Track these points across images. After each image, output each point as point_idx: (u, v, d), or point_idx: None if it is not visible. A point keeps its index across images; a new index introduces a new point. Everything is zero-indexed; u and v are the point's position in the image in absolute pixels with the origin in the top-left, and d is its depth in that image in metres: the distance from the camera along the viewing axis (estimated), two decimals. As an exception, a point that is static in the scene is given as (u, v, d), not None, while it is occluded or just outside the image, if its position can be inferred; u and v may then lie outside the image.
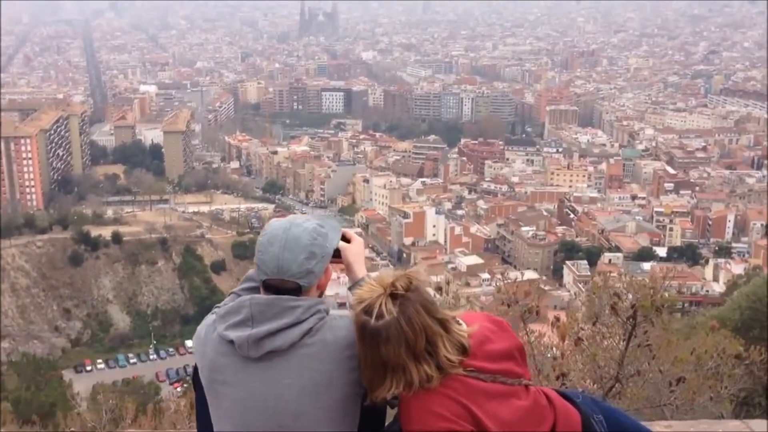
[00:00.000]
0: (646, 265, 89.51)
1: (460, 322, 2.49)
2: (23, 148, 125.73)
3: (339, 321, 2.56)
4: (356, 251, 2.92)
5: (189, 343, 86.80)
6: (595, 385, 6.60)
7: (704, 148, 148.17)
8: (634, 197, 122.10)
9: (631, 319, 6.39)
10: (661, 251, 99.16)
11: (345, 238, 2.90)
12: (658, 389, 6.69)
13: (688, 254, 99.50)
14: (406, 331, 2.33)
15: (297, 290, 2.58)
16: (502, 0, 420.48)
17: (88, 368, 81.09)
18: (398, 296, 2.38)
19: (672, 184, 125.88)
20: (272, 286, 2.58)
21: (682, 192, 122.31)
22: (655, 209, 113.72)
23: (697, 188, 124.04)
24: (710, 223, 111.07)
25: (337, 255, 2.81)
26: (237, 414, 2.56)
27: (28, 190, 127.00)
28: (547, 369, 6.56)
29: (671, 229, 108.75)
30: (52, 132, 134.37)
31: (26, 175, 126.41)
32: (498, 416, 2.39)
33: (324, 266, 2.65)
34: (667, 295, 6.49)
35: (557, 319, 6.96)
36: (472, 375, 2.40)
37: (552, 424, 2.53)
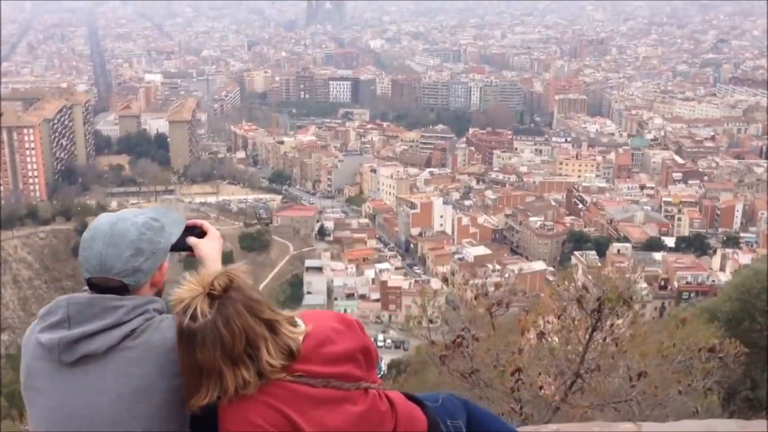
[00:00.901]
0: (656, 255, 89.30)
1: (298, 322, 2.34)
2: (26, 138, 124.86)
3: (169, 321, 2.36)
4: (210, 246, 2.71)
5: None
6: (557, 381, 6.50)
7: (713, 138, 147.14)
8: (642, 187, 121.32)
9: (595, 313, 6.32)
10: (670, 241, 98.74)
11: (202, 231, 2.73)
12: (622, 384, 6.59)
13: (696, 244, 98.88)
14: (223, 334, 2.17)
15: (123, 289, 2.40)
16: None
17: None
18: (217, 296, 2.21)
19: (680, 174, 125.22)
20: (96, 285, 2.41)
21: (690, 182, 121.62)
22: (664, 199, 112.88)
23: (706, 178, 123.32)
24: (718, 212, 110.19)
25: (191, 249, 2.67)
26: (46, 424, 2.38)
27: (31, 180, 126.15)
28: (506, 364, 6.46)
29: (680, 219, 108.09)
30: (56, 122, 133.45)
31: (29, 166, 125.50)
32: (324, 424, 2.26)
33: (156, 263, 2.47)
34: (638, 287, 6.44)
35: (526, 312, 6.90)
36: (301, 380, 2.26)
37: (392, 430, 2.42)
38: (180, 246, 2.64)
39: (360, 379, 2.37)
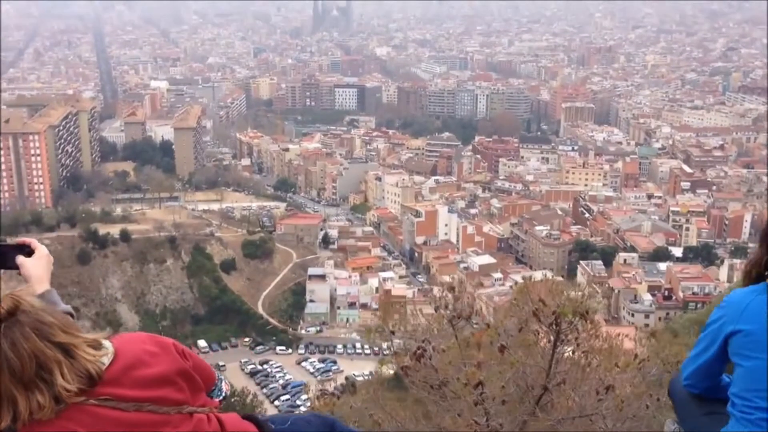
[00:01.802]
0: (662, 265, 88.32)
1: (104, 345, 2.27)
2: (32, 145, 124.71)
3: None
4: (35, 264, 2.74)
5: (202, 342, 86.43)
6: (525, 394, 6.49)
7: (721, 147, 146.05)
8: (650, 196, 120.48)
9: (554, 326, 6.28)
10: (677, 251, 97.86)
11: (31, 250, 2.78)
12: (590, 398, 6.58)
13: (703, 254, 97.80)
14: (10, 358, 2.11)
15: None
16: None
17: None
18: (2, 320, 2.16)
19: (688, 183, 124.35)
20: None
21: (698, 191, 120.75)
22: (671, 209, 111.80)
23: (714, 187, 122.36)
24: (727, 222, 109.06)
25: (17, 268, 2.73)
26: None
27: (36, 187, 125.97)
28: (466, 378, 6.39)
29: (687, 229, 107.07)
30: (61, 128, 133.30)
31: (35, 172, 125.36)
32: None
33: None
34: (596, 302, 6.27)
35: (487, 325, 6.92)
36: (107, 404, 2.19)
37: None
38: (8, 264, 2.68)
39: (182, 403, 2.31)
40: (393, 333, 7.16)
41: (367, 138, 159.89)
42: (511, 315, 7.19)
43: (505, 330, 6.92)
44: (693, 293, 78.09)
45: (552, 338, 6.40)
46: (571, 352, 6.45)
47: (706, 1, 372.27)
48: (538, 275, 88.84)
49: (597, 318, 6.46)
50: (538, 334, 6.54)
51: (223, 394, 2.58)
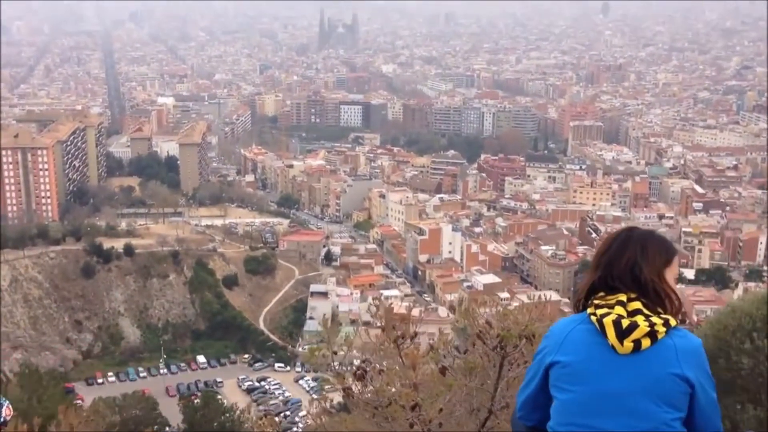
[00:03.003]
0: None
1: None
2: (40, 159, 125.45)
3: None
4: None
5: (201, 358, 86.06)
6: (469, 417, 6.51)
7: (735, 167, 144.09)
8: (660, 216, 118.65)
9: (498, 349, 6.30)
10: (689, 274, 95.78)
11: None
12: None
13: (717, 277, 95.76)
14: None
15: None
16: (527, 5, 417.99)
17: (99, 381, 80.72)
18: None
19: (701, 204, 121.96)
20: None
21: (711, 212, 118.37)
22: (683, 229, 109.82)
23: (728, 208, 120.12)
24: (741, 245, 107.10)
25: None
26: None
27: (43, 200, 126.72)
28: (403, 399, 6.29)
29: (700, 251, 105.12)
30: (69, 143, 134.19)
31: (42, 186, 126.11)
32: None
33: None
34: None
35: (431, 346, 6.83)
36: None
37: None
38: None
39: None
40: (335, 354, 7.07)
41: (371, 155, 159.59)
42: (457, 337, 7.03)
43: (449, 352, 6.87)
44: (707, 317, 76.58)
45: (499, 360, 6.34)
46: (517, 376, 6.26)
47: (719, 15, 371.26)
48: (547, 295, 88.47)
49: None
50: (487, 356, 6.37)
51: (2, 419, 2.49)
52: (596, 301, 3.00)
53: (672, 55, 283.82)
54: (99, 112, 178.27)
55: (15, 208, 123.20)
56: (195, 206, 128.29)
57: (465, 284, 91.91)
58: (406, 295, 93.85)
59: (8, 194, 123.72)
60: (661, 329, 2.88)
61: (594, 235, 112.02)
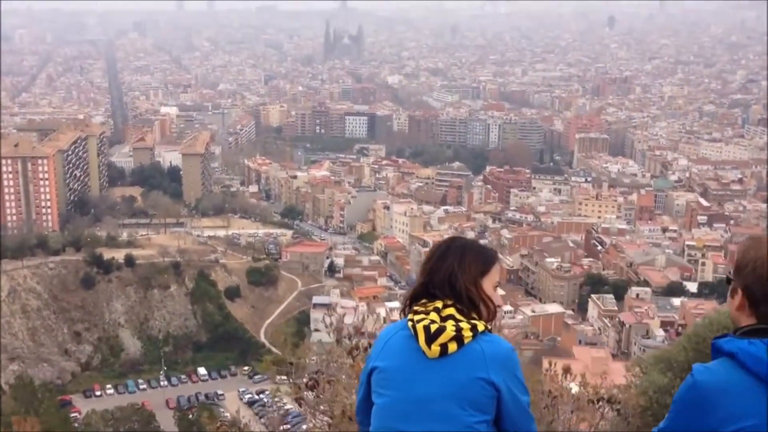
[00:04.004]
0: (676, 301, 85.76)
1: None
2: (40, 169, 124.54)
3: None
4: None
5: (202, 370, 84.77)
6: None
7: (740, 180, 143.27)
8: (665, 230, 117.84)
9: None
10: (692, 287, 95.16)
11: None
12: None
13: (720, 290, 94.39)
14: None
15: None
16: (533, 18, 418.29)
17: (98, 393, 79.60)
18: None
19: (705, 217, 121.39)
20: None
21: (715, 225, 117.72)
22: (687, 243, 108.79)
23: (732, 222, 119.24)
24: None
25: None
26: None
27: (43, 210, 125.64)
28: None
29: (703, 264, 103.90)
30: (70, 152, 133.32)
31: (42, 196, 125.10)
32: None
33: None
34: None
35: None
36: None
37: None
38: None
39: None
40: (291, 364, 7.08)
41: (376, 166, 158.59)
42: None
43: None
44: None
45: None
46: None
47: (724, 32, 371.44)
48: (549, 308, 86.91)
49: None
50: None
51: None
52: (416, 308, 3.09)
53: (677, 68, 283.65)
54: (101, 121, 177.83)
55: (15, 217, 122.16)
56: (197, 217, 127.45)
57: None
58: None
59: (8, 204, 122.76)
60: (468, 334, 2.94)
61: (599, 247, 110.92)
